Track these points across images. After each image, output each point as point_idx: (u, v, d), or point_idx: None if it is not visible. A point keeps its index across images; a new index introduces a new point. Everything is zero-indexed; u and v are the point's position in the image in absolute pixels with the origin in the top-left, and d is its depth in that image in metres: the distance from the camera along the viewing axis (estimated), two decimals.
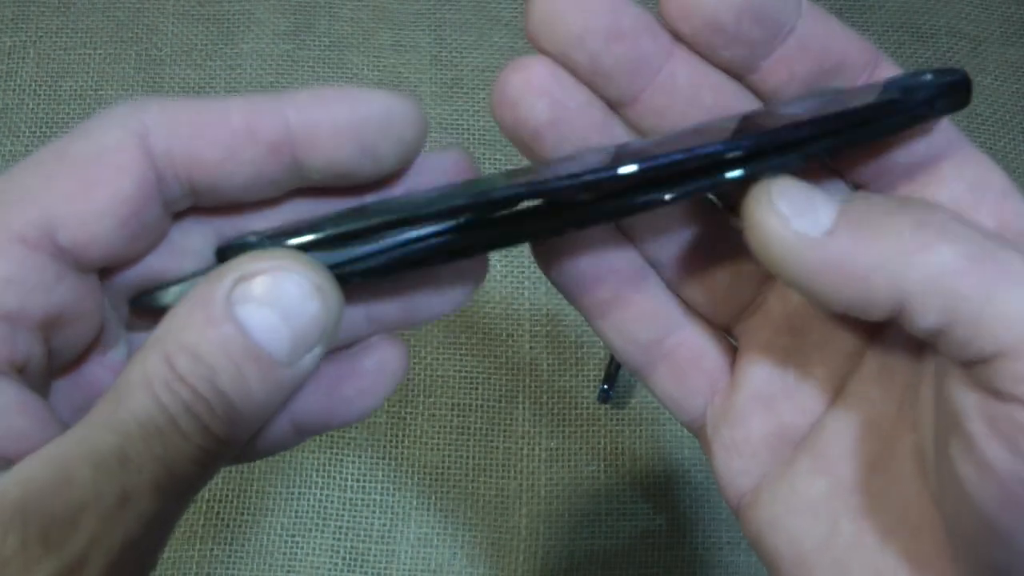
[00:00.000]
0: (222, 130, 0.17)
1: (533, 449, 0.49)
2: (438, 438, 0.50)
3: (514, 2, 0.60)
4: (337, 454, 0.49)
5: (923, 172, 0.20)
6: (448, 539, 0.48)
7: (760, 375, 0.22)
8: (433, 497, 0.48)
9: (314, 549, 0.48)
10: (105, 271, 0.18)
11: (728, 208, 0.22)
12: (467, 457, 0.49)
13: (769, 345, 0.22)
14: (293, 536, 0.48)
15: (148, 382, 0.16)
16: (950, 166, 0.20)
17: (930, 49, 0.60)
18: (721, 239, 0.22)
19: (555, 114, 0.19)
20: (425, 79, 0.58)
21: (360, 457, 0.49)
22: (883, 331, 0.21)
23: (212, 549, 0.47)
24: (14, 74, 0.57)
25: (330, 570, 0.47)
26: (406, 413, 0.50)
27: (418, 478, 0.49)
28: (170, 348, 0.16)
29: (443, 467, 0.49)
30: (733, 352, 0.23)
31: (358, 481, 0.49)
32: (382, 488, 0.49)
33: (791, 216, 0.17)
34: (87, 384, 0.19)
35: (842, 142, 0.19)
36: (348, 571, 0.47)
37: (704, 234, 0.22)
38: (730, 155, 0.18)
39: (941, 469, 0.18)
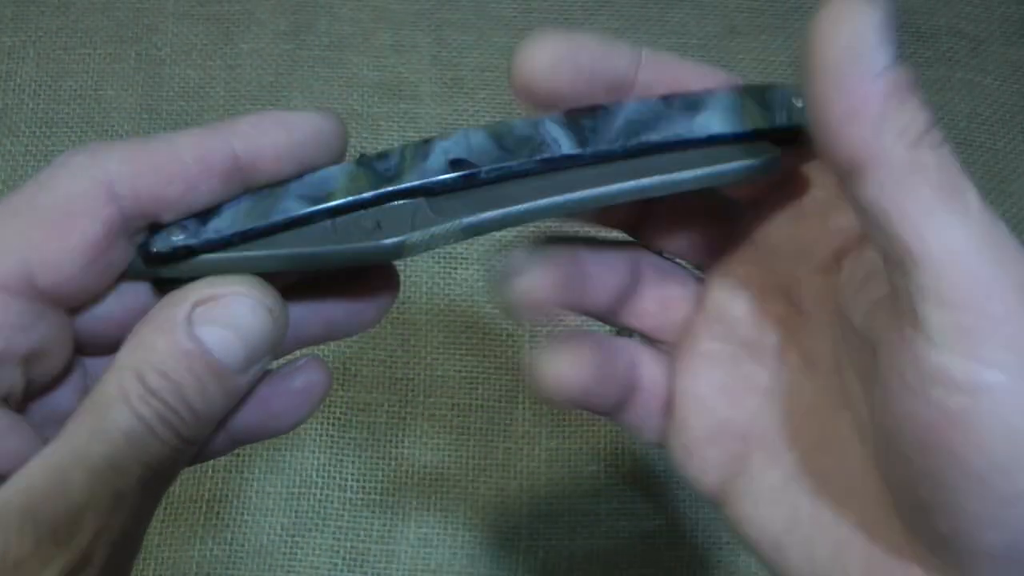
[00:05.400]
0: (179, 168, 0.19)
1: (533, 449, 0.49)
2: (438, 438, 0.50)
3: (514, 2, 0.60)
4: (337, 454, 0.49)
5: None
6: (448, 539, 0.48)
7: (696, 381, 0.24)
8: (433, 497, 0.49)
9: (314, 549, 0.48)
10: (77, 309, 0.20)
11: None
12: (467, 457, 0.49)
13: (705, 352, 0.24)
14: (293, 536, 0.48)
15: (126, 396, 0.18)
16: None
17: (930, 49, 0.60)
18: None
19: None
20: (425, 79, 0.58)
21: (360, 457, 0.49)
22: (804, 328, 0.23)
23: (212, 549, 0.47)
24: (14, 74, 0.57)
25: (330, 570, 0.47)
26: (406, 413, 0.50)
27: (418, 478, 0.49)
28: (142, 367, 0.18)
29: (443, 467, 0.49)
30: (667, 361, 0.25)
31: (358, 481, 0.49)
32: (382, 488, 0.49)
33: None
34: (52, 404, 0.21)
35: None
36: (348, 571, 0.47)
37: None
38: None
39: (871, 431, 0.20)
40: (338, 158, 0.21)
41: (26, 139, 0.55)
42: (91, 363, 0.22)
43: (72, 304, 0.20)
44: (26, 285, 0.18)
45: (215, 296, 0.19)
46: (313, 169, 0.21)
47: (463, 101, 0.57)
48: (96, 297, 0.20)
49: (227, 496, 0.48)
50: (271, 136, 0.20)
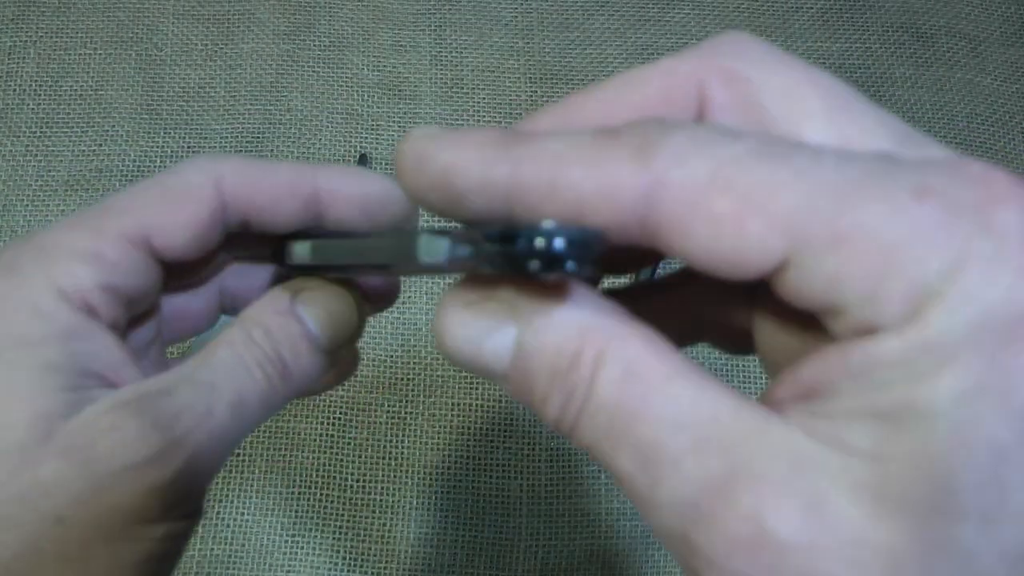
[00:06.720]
0: (272, 184, 0.24)
1: (533, 449, 0.49)
2: (438, 438, 0.50)
3: (514, 2, 0.60)
4: (337, 454, 0.49)
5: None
6: (448, 539, 0.48)
7: None
8: (433, 497, 0.49)
9: (314, 549, 0.48)
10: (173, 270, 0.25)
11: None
12: (467, 457, 0.49)
13: None
14: (293, 536, 0.48)
15: (232, 342, 0.23)
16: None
17: (930, 49, 0.60)
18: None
19: None
20: (425, 79, 0.58)
21: (360, 457, 0.49)
22: None
23: (212, 549, 0.47)
24: (14, 74, 0.57)
25: (330, 570, 0.47)
26: (406, 413, 0.50)
27: (418, 478, 0.49)
28: (249, 325, 0.24)
29: (443, 467, 0.49)
30: None
31: (358, 481, 0.49)
32: (382, 488, 0.49)
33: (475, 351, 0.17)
34: (137, 337, 0.26)
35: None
36: (348, 571, 0.47)
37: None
38: None
39: None
40: (397, 221, 0.25)
41: (26, 139, 0.55)
42: (166, 305, 0.28)
43: (170, 261, 0.25)
44: (143, 241, 0.23)
45: (315, 287, 0.25)
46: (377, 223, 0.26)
47: (463, 101, 0.57)
48: (197, 265, 0.26)
49: (227, 496, 0.48)
50: (350, 185, 0.25)
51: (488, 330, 0.16)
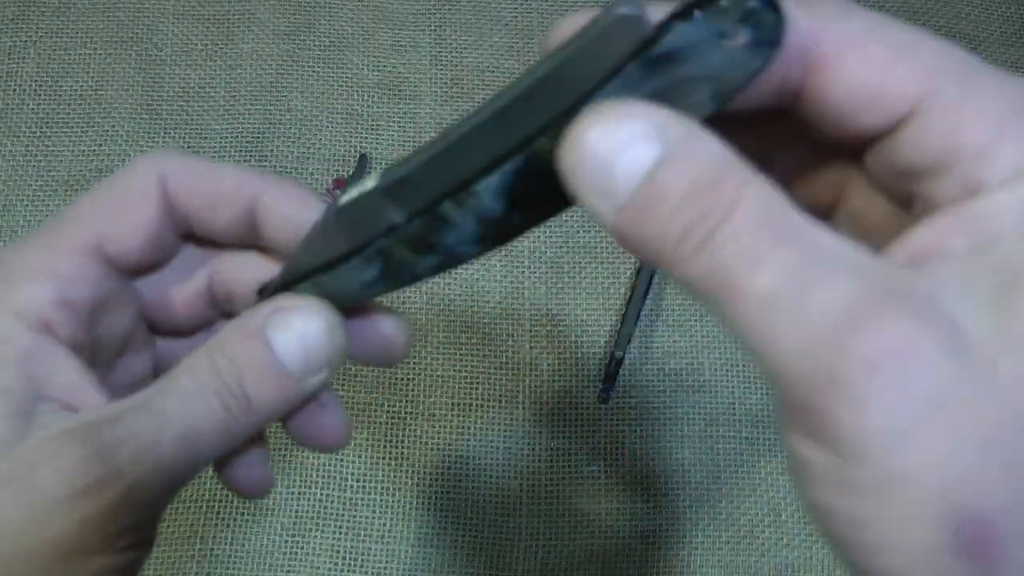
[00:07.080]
0: (214, 188, 0.24)
1: (533, 449, 0.50)
2: (438, 438, 0.50)
3: (514, 2, 0.60)
4: (337, 454, 0.49)
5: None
6: (448, 539, 0.48)
7: None
8: (433, 497, 0.49)
9: (314, 549, 0.48)
10: (135, 275, 0.25)
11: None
12: (467, 457, 0.49)
13: None
14: (293, 536, 0.48)
15: (193, 369, 0.22)
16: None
17: None
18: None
19: None
20: (425, 79, 0.58)
21: (360, 457, 0.49)
22: None
23: (212, 549, 0.47)
24: (14, 74, 0.57)
25: (330, 570, 0.47)
26: (406, 413, 0.50)
27: (418, 478, 0.49)
28: (214, 351, 0.22)
29: (443, 467, 0.49)
30: None
31: (358, 481, 0.49)
32: (382, 488, 0.49)
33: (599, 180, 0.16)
34: (128, 371, 0.26)
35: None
36: (348, 571, 0.47)
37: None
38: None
39: None
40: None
41: (26, 139, 0.55)
42: (162, 347, 0.27)
43: (132, 270, 0.24)
44: (97, 250, 0.23)
45: (289, 308, 0.23)
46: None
47: (463, 101, 0.57)
48: (153, 269, 0.25)
49: (227, 496, 0.48)
50: (288, 203, 0.24)
51: (631, 142, 0.16)
